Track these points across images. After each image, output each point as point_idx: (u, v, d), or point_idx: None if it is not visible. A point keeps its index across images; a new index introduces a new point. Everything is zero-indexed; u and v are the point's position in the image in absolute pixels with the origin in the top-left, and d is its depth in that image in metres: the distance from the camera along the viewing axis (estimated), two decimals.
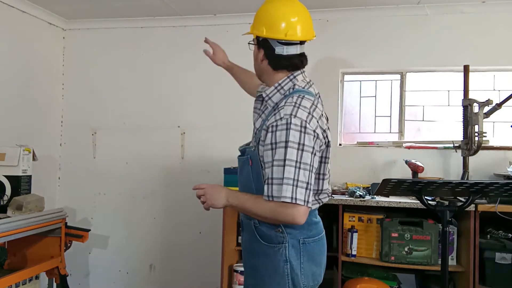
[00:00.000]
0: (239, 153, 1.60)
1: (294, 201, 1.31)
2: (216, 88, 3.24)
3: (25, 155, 2.50)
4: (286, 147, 1.33)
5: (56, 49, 3.45)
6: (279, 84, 1.50)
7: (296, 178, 1.32)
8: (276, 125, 1.37)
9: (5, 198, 2.39)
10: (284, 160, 1.33)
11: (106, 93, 3.42)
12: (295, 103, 1.40)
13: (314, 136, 1.37)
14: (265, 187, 1.37)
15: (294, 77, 1.51)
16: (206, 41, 2.10)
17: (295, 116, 1.36)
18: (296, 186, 1.32)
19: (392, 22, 3.01)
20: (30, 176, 2.54)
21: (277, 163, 1.34)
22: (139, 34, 3.38)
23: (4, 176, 2.43)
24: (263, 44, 1.54)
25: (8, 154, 2.46)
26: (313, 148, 1.36)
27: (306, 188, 1.34)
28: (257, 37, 1.56)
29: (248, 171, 1.50)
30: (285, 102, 1.42)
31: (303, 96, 1.43)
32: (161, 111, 3.34)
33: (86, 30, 3.48)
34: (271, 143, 1.37)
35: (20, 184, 2.45)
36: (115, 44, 3.42)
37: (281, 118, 1.37)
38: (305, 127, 1.35)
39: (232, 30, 3.24)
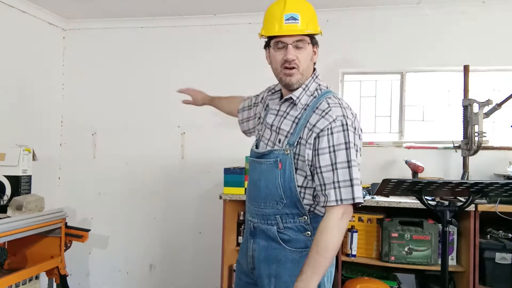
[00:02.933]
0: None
1: (360, 200, 1.34)
2: (216, 88, 3.24)
3: (25, 155, 2.50)
4: (347, 148, 1.35)
5: (56, 49, 3.45)
6: (306, 86, 1.49)
7: (359, 177, 1.36)
8: (331, 127, 1.36)
9: (5, 198, 2.39)
10: (348, 161, 1.34)
11: (106, 93, 3.42)
12: (340, 104, 1.42)
13: (360, 135, 1.43)
14: (332, 191, 1.33)
15: (316, 77, 1.55)
16: (180, 91, 2.16)
17: (347, 117, 1.38)
18: (359, 185, 1.36)
19: (392, 22, 3.01)
20: (30, 176, 2.54)
21: (341, 166, 1.34)
22: (139, 34, 3.38)
23: (4, 176, 2.43)
24: (315, 42, 1.54)
25: (8, 154, 2.46)
26: (359, 147, 1.43)
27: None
28: (313, 35, 1.53)
29: (275, 176, 1.43)
30: (325, 104, 1.42)
31: (338, 97, 1.47)
32: (161, 111, 3.34)
33: (86, 30, 3.48)
34: (330, 146, 1.36)
35: (20, 184, 2.45)
36: (115, 44, 3.42)
37: (334, 120, 1.36)
38: (355, 128, 1.40)
39: (232, 30, 3.24)
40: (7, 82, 2.93)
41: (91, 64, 3.46)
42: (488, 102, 2.51)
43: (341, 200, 1.33)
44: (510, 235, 2.45)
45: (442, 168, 2.89)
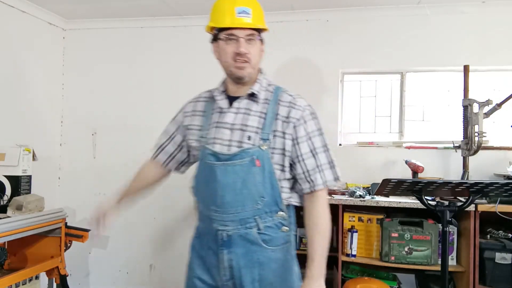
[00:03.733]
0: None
1: (341, 178, 1.48)
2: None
3: (25, 155, 2.50)
4: (320, 134, 1.46)
5: (56, 49, 3.45)
6: (260, 81, 1.51)
7: (335, 158, 1.47)
8: (304, 116, 1.44)
9: (5, 198, 2.39)
10: (324, 145, 1.45)
11: (106, 93, 3.42)
12: (299, 95, 1.50)
13: None
14: (318, 175, 1.42)
15: (264, 73, 1.55)
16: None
17: (310, 105, 1.48)
18: (337, 165, 1.47)
19: (392, 22, 3.01)
20: (30, 176, 2.54)
21: (319, 150, 1.44)
22: (139, 34, 3.38)
23: (4, 176, 2.43)
24: (263, 40, 1.54)
25: (8, 154, 2.46)
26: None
27: None
28: (261, 31, 1.52)
29: (253, 174, 1.40)
30: (287, 96, 1.48)
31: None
32: (161, 111, 3.33)
33: (86, 30, 3.48)
34: (306, 134, 1.43)
35: (20, 184, 2.45)
36: (115, 44, 3.42)
37: (304, 110, 1.44)
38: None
39: None
40: (7, 82, 2.93)
41: (91, 64, 3.46)
42: (488, 102, 2.51)
43: (326, 182, 1.43)
44: (510, 235, 2.45)
45: (442, 168, 2.88)
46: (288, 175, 1.45)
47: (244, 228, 1.42)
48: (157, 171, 1.71)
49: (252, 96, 1.47)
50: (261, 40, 1.51)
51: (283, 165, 1.44)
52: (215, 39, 1.48)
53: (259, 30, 1.47)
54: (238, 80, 1.47)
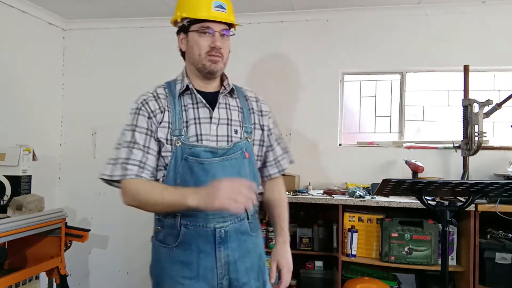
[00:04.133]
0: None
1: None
2: None
3: (25, 155, 2.49)
4: (277, 125, 1.64)
5: (56, 49, 3.45)
6: (226, 76, 1.52)
7: None
8: (269, 110, 1.60)
9: (5, 198, 2.39)
10: (280, 133, 1.65)
11: (106, 93, 3.42)
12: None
13: None
14: (284, 160, 1.60)
15: None
16: None
17: None
18: None
19: (392, 22, 3.01)
20: (30, 176, 2.54)
21: (280, 138, 1.63)
22: (139, 34, 3.38)
23: (4, 176, 2.43)
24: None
25: (8, 154, 2.46)
26: None
27: None
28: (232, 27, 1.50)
29: (245, 166, 1.44)
30: (249, 92, 1.59)
31: None
32: None
33: (86, 30, 3.48)
34: (274, 125, 1.60)
35: (20, 184, 2.45)
36: (115, 44, 3.42)
37: (266, 103, 1.60)
38: None
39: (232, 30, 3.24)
40: (7, 82, 2.93)
41: (91, 64, 3.46)
42: (488, 102, 2.51)
43: (289, 165, 1.63)
44: (510, 235, 2.45)
45: (442, 168, 2.88)
46: (259, 164, 1.57)
47: (238, 220, 1.44)
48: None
49: (231, 92, 1.50)
50: (230, 36, 1.49)
51: (259, 155, 1.55)
52: (183, 30, 1.43)
53: (230, 28, 1.47)
54: (209, 75, 1.44)
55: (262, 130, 1.53)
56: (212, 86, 1.49)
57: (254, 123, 1.51)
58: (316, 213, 2.87)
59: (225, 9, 1.42)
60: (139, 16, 3.28)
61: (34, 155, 2.58)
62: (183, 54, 1.49)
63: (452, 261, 2.53)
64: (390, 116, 3.11)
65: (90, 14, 3.30)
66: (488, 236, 2.48)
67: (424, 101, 3.05)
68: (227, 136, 1.44)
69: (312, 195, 2.69)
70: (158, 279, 1.42)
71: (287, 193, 2.75)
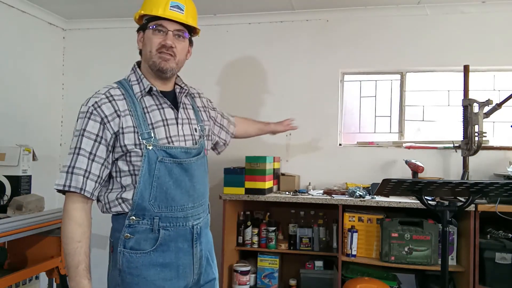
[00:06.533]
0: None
1: None
2: (216, 87, 3.25)
3: (25, 155, 2.49)
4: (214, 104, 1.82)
5: (56, 49, 3.45)
6: (177, 74, 1.55)
7: None
8: (209, 100, 1.75)
9: (5, 198, 2.38)
10: None
11: None
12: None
13: None
14: (228, 138, 1.86)
15: None
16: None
17: None
18: None
19: (392, 22, 3.01)
20: (30, 176, 2.54)
21: (221, 111, 1.85)
22: None
23: (4, 176, 2.43)
24: (192, 42, 1.55)
25: (8, 154, 2.45)
26: None
27: None
28: (192, 33, 1.53)
29: (206, 163, 1.54)
30: (192, 89, 1.63)
31: None
32: None
33: (86, 30, 3.48)
34: (214, 106, 1.78)
35: (20, 184, 2.45)
36: (115, 44, 3.42)
37: (203, 94, 1.71)
38: None
39: (232, 30, 3.24)
40: (7, 82, 2.93)
41: (91, 64, 3.46)
42: (488, 102, 2.51)
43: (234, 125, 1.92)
44: (510, 235, 2.44)
45: (442, 168, 2.88)
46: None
47: (206, 215, 1.54)
48: (87, 211, 1.36)
49: (187, 91, 1.54)
50: (190, 41, 1.51)
51: (208, 149, 1.63)
52: (142, 28, 1.45)
53: (189, 30, 1.47)
54: (160, 73, 1.42)
55: (209, 125, 1.66)
56: (168, 86, 1.49)
57: (203, 120, 1.59)
58: (316, 213, 2.87)
59: (182, 10, 1.42)
60: None
61: (34, 155, 2.58)
62: (140, 52, 1.48)
63: (452, 261, 2.53)
64: (390, 116, 3.11)
65: (90, 14, 3.30)
66: (488, 236, 2.48)
67: (424, 101, 3.05)
68: (191, 135, 1.47)
69: (312, 195, 2.69)
70: (133, 286, 1.35)
71: (286, 193, 2.77)
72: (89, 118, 1.33)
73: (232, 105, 3.20)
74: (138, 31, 1.47)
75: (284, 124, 2.20)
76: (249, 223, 2.84)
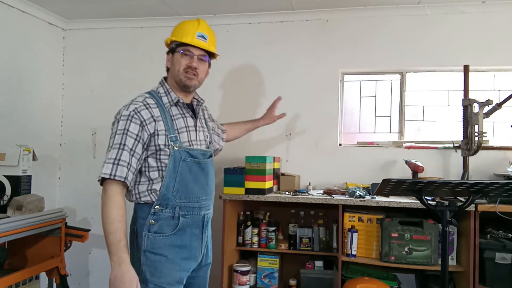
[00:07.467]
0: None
1: None
2: (216, 88, 3.25)
3: (25, 155, 2.49)
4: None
5: (56, 49, 3.45)
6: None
7: None
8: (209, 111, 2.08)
9: (5, 198, 2.39)
10: None
11: (106, 93, 3.42)
12: None
13: None
14: (217, 153, 2.18)
15: None
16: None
17: None
18: None
19: (392, 22, 3.01)
20: (30, 176, 2.54)
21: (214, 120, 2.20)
22: (139, 34, 3.38)
23: (4, 176, 2.43)
24: (210, 65, 1.88)
25: (8, 154, 2.46)
26: None
27: None
28: (211, 58, 1.87)
29: (213, 164, 1.86)
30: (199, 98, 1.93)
31: None
32: None
33: (86, 30, 3.48)
34: (211, 116, 2.12)
35: (20, 184, 2.45)
36: (115, 44, 3.42)
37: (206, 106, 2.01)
38: None
39: (232, 30, 3.24)
40: (7, 82, 2.93)
41: (91, 64, 3.47)
42: (488, 102, 2.51)
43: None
44: (510, 235, 2.44)
45: (442, 168, 2.89)
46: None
47: (212, 206, 1.85)
48: (123, 198, 1.62)
49: (203, 104, 1.90)
50: (209, 64, 1.85)
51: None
52: (172, 51, 1.79)
53: (210, 56, 1.83)
54: (185, 88, 1.77)
55: (213, 132, 2.04)
56: (188, 99, 1.83)
57: (209, 129, 1.94)
58: (316, 213, 2.87)
59: (206, 39, 1.78)
60: (139, 16, 3.28)
61: (34, 155, 2.58)
62: (167, 70, 1.82)
63: (452, 261, 2.53)
64: (390, 116, 3.11)
65: (90, 14, 3.30)
66: (488, 236, 2.48)
67: (424, 101, 3.05)
68: (205, 140, 1.83)
69: (312, 195, 2.69)
70: (157, 263, 1.64)
71: (286, 193, 2.77)
72: (131, 121, 1.63)
73: (232, 105, 3.21)
74: (167, 53, 1.81)
75: (272, 117, 2.53)
76: (249, 223, 2.84)
